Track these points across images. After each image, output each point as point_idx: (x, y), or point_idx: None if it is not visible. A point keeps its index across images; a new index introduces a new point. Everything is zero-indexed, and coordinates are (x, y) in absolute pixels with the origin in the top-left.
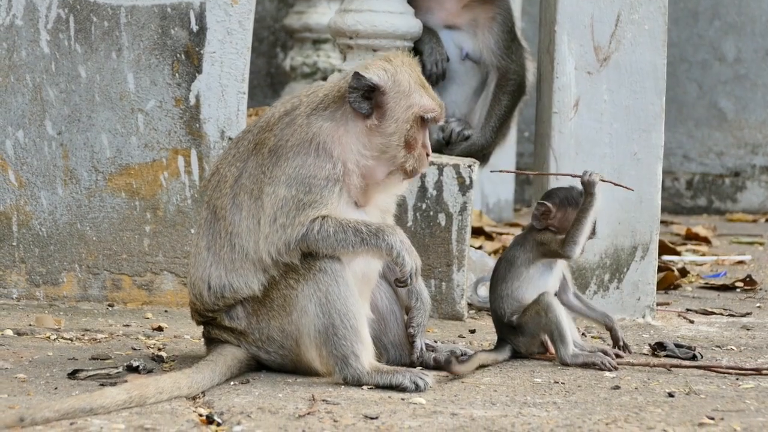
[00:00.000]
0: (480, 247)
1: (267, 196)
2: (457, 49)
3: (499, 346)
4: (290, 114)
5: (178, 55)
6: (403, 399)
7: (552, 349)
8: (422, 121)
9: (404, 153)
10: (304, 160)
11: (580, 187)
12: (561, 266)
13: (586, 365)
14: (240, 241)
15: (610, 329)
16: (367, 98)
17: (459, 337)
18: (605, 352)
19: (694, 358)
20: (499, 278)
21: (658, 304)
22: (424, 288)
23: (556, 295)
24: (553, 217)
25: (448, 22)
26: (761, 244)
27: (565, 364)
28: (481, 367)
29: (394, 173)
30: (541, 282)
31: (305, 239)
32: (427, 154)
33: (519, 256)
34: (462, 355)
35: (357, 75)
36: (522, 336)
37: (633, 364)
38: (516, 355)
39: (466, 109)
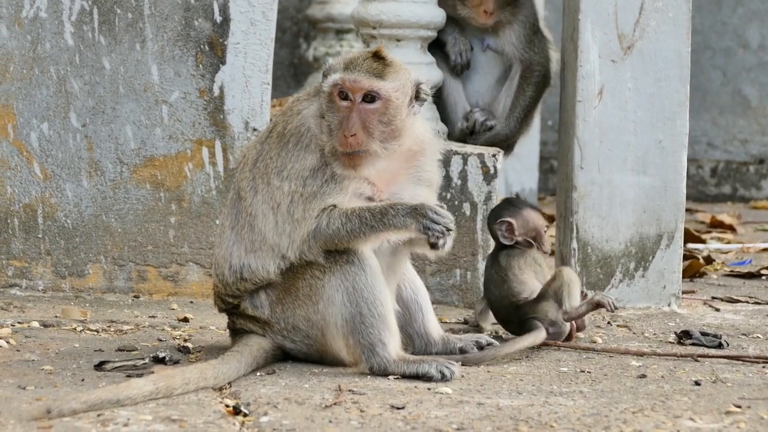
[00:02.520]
0: None
1: (274, 189)
2: (478, 40)
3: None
4: (298, 100)
5: (202, 47)
6: (429, 389)
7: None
8: (339, 97)
9: (326, 136)
10: (292, 153)
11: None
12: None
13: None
14: (258, 223)
15: None
16: None
17: None
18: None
19: (720, 346)
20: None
21: (683, 292)
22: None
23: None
24: (518, 228)
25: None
26: None
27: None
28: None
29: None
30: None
31: (319, 234)
32: (345, 135)
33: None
34: (488, 344)
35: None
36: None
37: (659, 354)
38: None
39: (489, 98)
